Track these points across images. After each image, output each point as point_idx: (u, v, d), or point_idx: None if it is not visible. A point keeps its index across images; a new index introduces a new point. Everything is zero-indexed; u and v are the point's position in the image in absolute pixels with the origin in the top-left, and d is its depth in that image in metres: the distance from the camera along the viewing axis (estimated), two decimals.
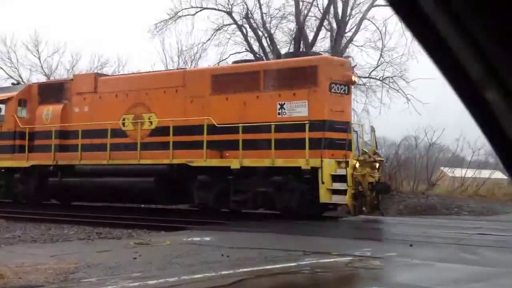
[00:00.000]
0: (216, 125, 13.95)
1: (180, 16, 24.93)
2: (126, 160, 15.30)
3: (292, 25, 24.91)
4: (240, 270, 7.35)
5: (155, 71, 16.28)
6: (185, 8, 24.73)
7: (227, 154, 14.23)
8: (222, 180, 13.98)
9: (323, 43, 25.17)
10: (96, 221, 13.74)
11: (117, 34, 53.75)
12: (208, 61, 28.01)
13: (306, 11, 24.19)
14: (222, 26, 24.90)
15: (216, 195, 14.14)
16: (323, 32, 24.43)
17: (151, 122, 15.53)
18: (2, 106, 17.89)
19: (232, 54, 25.04)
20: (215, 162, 14.09)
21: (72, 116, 16.84)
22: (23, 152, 17.01)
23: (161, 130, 15.15)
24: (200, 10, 24.85)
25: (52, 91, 17.47)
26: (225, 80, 14.44)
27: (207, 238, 10.49)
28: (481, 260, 8.09)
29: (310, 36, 24.33)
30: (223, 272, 7.21)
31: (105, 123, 15.70)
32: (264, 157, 13.29)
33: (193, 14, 24.95)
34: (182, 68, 15.77)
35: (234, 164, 13.67)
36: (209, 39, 25.08)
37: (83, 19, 53.57)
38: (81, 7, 52.98)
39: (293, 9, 24.02)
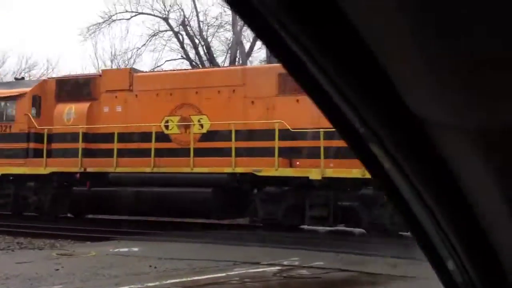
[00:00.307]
0: (291, 130, 12.30)
1: (114, 20, 25.45)
2: (176, 168, 13.33)
3: (229, 34, 25.09)
4: (168, 281, 7.36)
5: (207, 68, 14.36)
6: (120, 12, 25.14)
7: (297, 163, 12.62)
8: (295, 192, 12.33)
9: (259, 53, 25.41)
10: (17, 230, 13.14)
11: (47, 37, 50.90)
12: (143, 66, 28.14)
13: (242, 21, 23.76)
14: (157, 32, 25.14)
15: (286, 209, 12.47)
16: (259, 43, 24.44)
17: (201, 125, 13.67)
18: (12, 104, 15.43)
19: (168, 60, 25.34)
20: (289, 171, 12.40)
21: (100, 116, 14.66)
22: (39, 157, 14.66)
23: (215, 135, 13.33)
24: (135, 15, 25.37)
25: (74, 87, 15.14)
26: None
27: (135, 249, 10.32)
28: None
29: (247, 46, 24.38)
30: (149, 284, 7.19)
31: (148, 125, 13.70)
32: (351, 167, 11.75)
33: (128, 19, 25.76)
34: (240, 66, 13.99)
35: (314, 175, 12.03)
36: (144, 44, 26.31)
37: (8, 20, 49.84)
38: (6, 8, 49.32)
39: (230, 19, 23.84)
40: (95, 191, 13.92)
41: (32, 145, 14.91)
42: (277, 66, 13.65)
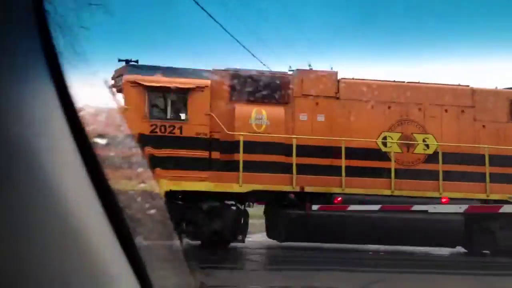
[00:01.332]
0: None
1: None
2: (417, 192, 12.01)
3: None
4: None
5: (431, 83, 12.99)
6: None
7: None
8: None
9: None
10: None
11: None
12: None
13: None
14: None
15: None
16: None
17: (427, 146, 12.59)
18: (183, 98, 11.82)
19: None
20: None
21: (295, 125, 12.29)
22: (228, 170, 11.61)
23: (445, 156, 12.42)
24: None
25: (260, 86, 12.34)
26: None
27: None
28: None
29: None
30: None
31: (371, 141, 12.10)
32: None
33: None
34: (466, 85, 13.07)
35: None
36: None
37: None
38: None
39: None
40: (319, 215, 11.67)
41: (215, 154, 11.71)
42: (508, 91, 13.45)
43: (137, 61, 12.59)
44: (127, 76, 11.71)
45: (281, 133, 12.00)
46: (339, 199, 11.85)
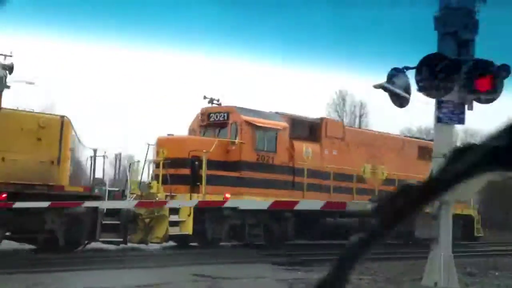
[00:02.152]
0: None
1: None
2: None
3: None
4: None
5: (384, 133, 19.46)
6: None
7: None
8: None
9: None
10: None
11: None
12: None
13: None
14: None
15: None
16: None
17: (383, 173, 19.73)
18: (272, 135, 16.15)
19: None
20: None
21: (323, 157, 17.97)
22: (299, 189, 16.63)
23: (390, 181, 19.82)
24: None
25: (305, 127, 17.55)
26: None
27: None
28: None
29: None
30: None
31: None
32: None
33: None
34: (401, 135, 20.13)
35: None
36: None
37: None
38: None
39: None
40: (339, 221, 17.47)
41: (296, 178, 16.62)
42: (417, 140, 21.65)
43: (218, 100, 16.60)
44: (245, 117, 15.70)
45: (314, 163, 17.52)
46: None
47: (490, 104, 8.42)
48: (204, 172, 14.56)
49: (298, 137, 17.32)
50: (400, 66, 8.59)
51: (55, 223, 12.25)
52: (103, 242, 13.20)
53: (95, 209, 12.62)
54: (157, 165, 15.20)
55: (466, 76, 8.15)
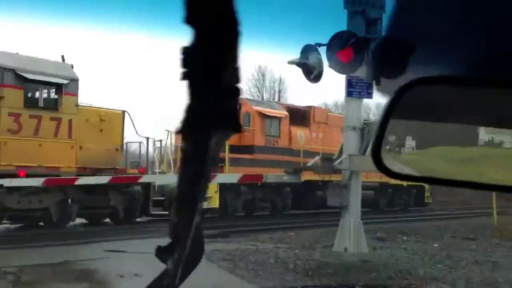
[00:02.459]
0: None
1: None
2: None
3: None
4: None
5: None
6: None
7: None
8: None
9: None
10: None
11: None
12: None
13: None
14: None
15: None
16: None
17: None
18: (276, 123, 19.04)
19: None
20: None
21: (312, 139, 21.09)
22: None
23: None
24: None
25: (300, 115, 20.57)
26: None
27: None
28: None
29: None
30: None
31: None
32: None
33: None
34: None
35: None
36: None
37: None
38: None
39: None
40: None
41: (291, 158, 19.65)
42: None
43: None
44: (256, 108, 18.55)
45: (310, 145, 20.73)
46: None
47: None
48: (227, 155, 17.29)
49: (293, 123, 20.38)
50: (313, 43, 8.65)
51: (117, 200, 14.63)
52: (153, 215, 15.76)
53: (148, 188, 15.10)
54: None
55: (373, 54, 8.60)
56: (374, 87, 8.55)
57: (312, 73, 8.65)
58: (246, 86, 42.78)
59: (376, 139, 1.03)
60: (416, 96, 0.97)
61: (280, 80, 48.65)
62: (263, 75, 48.70)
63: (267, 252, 10.13)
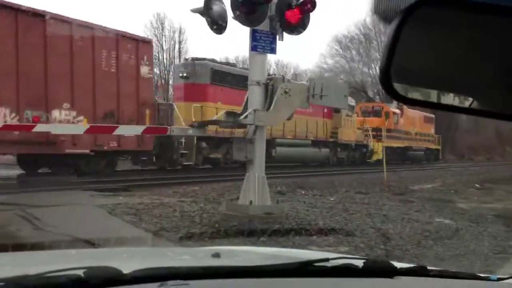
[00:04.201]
0: None
1: None
2: None
3: None
4: None
5: None
6: None
7: None
8: None
9: None
10: None
11: None
12: None
13: None
14: None
15: None
16: None
17: None
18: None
19: None
20: None
21: None
22: None
23: None
24: None
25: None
26: None
27: None
28: None
29: None
30: None
31: None
32: None
33: None
34: None
35: None
36: None
37: None
38: None
39: None
40: None
41: None
42: None
43: None
44: None
45: None
46: None
47: (299, 35, 8.86)
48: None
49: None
50: None
51: None
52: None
53: None
54: None
55: (276, 8, 8.58)
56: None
57: (217, 24, 8.50)
58: (144, 34, 40.77)
59: (386, 61, 0.97)
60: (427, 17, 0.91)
61: (180, 30, 47.41)
62: (162, 24, 47.25)
63: (171, 206, 10.12)
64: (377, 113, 31.78)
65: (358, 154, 30.22)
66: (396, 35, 0.93)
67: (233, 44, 69.70)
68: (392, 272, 1.57)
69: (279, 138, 23.30)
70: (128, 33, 16.72)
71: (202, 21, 8.57)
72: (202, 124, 10.45)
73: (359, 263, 1.57)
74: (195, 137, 17.87)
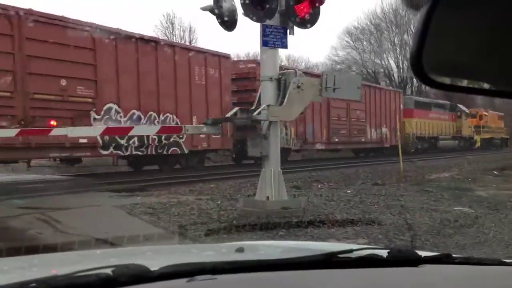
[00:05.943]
0: None
1: None
2: None
3: None
4: None
5: None
6: None
7: None
8: None
9: None
10: None
11: None
12: None
13: None
14: None
15: None
16: None
17: None
18: None
19: None
20: None
21: None
22: None
23: None
24: None
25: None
26: None
27: None
28: None
29: None
30: None
31: None
32: None
33: None
34: None
35: None
36: None
37: None
38: None
39: None
40: None
41: None
42: None
43: None
44: None
45: None
46: None
47: (310, 28, 8.89)
48: None
49: None
50: None
51: None
52: None
53: None
54: None
55: (286, 2, 8.59)
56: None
57: (227, 21, 8.51)
58: (154, 34, 41.34)
59: (417, 45, 0.94)
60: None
61: (190, 29, 47.58)
62: (172, 23, 47.50)
63: (189, 204, 10.16)
64: (474, 116, 45.58)
65: (469, 143, 43.81)
66: (426, 21, 0.91)
67: (244, 40, 69.61)
68: (417, 261, 1.58)
69: (441, 136, 38.57)
70: (212, 50, 19.90)
71: (211, 18, 8.59)
72: (216, 122, 10.50)
73: (383, 253, 1.58)
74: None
